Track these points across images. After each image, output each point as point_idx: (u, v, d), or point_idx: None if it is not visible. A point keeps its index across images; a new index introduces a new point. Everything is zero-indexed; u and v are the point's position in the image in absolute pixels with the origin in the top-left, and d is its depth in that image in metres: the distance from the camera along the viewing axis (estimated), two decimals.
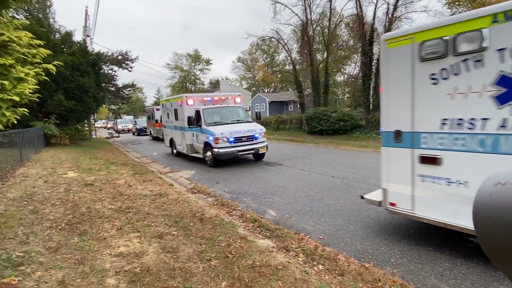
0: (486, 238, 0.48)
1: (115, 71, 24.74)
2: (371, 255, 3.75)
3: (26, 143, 9.91)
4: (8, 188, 6.08)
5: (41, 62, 3.03)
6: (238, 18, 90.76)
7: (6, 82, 2.44)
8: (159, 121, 20.58)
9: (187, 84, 62.01)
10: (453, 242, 3.86)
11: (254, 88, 61.31)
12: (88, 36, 22.72)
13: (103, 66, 22.03)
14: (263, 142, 10.49)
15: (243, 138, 9.98)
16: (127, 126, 34.39)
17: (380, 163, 4.15)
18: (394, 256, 3.67)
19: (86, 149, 15.21)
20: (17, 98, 2.63)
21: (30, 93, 2.87)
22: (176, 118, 12.36)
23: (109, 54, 24.23)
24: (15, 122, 2.93)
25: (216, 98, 11.90)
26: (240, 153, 9.89)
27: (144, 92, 73.87)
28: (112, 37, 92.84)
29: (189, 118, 10.51)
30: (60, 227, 4.22)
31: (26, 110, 3.30)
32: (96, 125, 26.64)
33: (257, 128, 10.46)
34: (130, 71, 25.30)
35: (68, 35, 17.57)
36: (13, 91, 2.55)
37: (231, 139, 9.75)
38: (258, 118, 12.51)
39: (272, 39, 27.88)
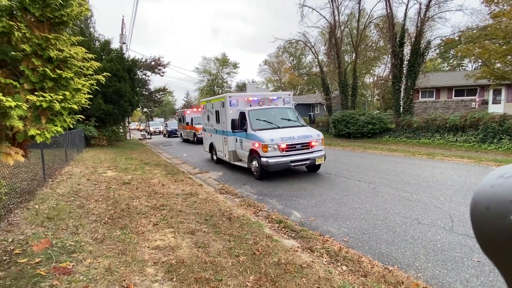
0: (481, 230, 0.48)
1: (148, 76, 26.05)
2: (396, 258, 3.79)
3: (70, 144, 10.82)
4: (57, 184, 6.75)
5: (93, 73, 3.44)
6: (265, 21, 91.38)
7: (67, 93, 2.84)
8: (189, 124, 21.52)
9: (215, 87, 63.43)
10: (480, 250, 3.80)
11: (281, 91, 61.43)
12: (124, 43, 24.14)
13: (138, 72, 23.28)
14: (321, 150, 8.74)
15: (297, 146, 8.32)
16: (158, 128, 35.94)
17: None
18: (419, 261, 3.69)
19: (122, 150, 16.19)
20: (75, 107, 3.02)
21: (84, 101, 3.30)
22: (218, 121, 11.05)
23: (143, 60, 25.58)
24: (72, 127, 3.37)
25: (263, 98, 10.41)
26: (293, 164, 8.21)
27: (174, 95, 76.48)
28: (145, 42, 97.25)
29: (233, 121, 8.92)
30: (103, 221, 4.67)
31: (81, 116, 3.74)
32: (129, 127, 28.16)
33: (313, 134, 8.74)
34: (162, 75, 26.54)
35: (107, 43, 18.83)
36: (72, 100, 2.95)
37: (283, 146, 8.17)
38: (312, 122, 10.21)
39: (299, 42, 27.87)
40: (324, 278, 3.12)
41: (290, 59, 58.34)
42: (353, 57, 24.43)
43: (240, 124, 8.96)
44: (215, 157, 12.00)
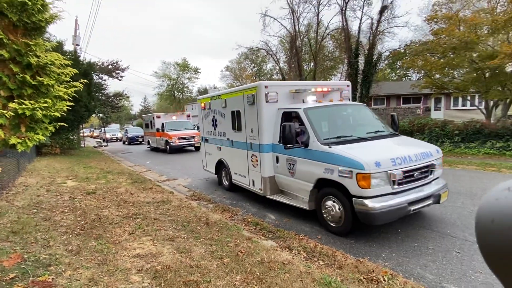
0: (486, 243, 0.47)
1: (105, 80, 24.78)
2: (365, 251, 4.20)
3: (19, 153, 9.95)
4: (14, 197, 6.23)
5: (70, 80, 3.37)
6: (228, 28, 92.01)
7: (49, 100, 2.77)
8: (160, 130, 18.96)
9: (175, 92, 62.07)
10: (434, 239, 4.37)
11: None
12: (78, 45, 22.74)
13: (94, 75, 22.06)
14: (439, 177, 5.23)
15: (415, 173, 4.60)
16: (115, 134, 34.13)
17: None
18: (385, 252, 4.13)
19: (78, 158, 15.20)
20: (58, 114, 2.96)
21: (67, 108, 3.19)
22: (236, 127, 6.99)
23: (99, 63, 24.25)
24: (50, 134, 3.26)
25: (318, 89, 6.31)
26: (413, 208, 4.45)
27: (130, 100, 73.18)
28: (102, 46, 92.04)
29: (284, 128, 5.10)
30: (75, 233, 4.47)
31: (65, 124, 3.63)
32: (83, 134, 26.39)
33: (431, 150, 5.05)
34: (120, 80, 25.39)
35: (60, 44, 17.62)
36: (53, 108, 2.87)
37: (398, 175, 4.36)
38: (396, 125, 6.09)
39: (262, 50, 28.61)
40: (305, 272, 3.38)
41: (252, 66, 59.32)
42: (312, 66, 25.70)
43: (292, 134, 5.05)
44: (225, 182, 8.12)
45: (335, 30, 24.79)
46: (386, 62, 34.61)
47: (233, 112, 7.10)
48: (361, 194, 4.28)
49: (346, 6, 18.54)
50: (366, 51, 19.00)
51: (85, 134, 31.95)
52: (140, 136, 26.97)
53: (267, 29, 60.05)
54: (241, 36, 78.45)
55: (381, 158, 4.37)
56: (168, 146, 18.27)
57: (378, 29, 18.52)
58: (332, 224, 4.90)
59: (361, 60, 19.75)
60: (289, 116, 5.85)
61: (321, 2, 21.37)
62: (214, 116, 8.14)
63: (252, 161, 6.50)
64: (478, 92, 17.46)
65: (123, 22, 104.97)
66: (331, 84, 7.12)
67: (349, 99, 6.97)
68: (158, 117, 20.25)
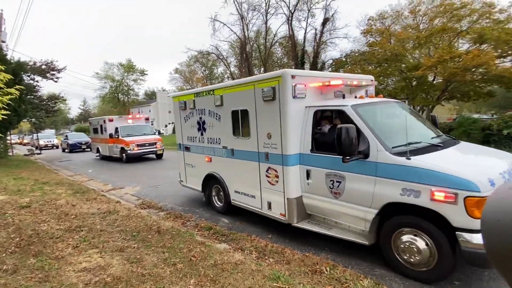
0: (492, 242, 0.46)
1: (37, 81, 22.36)
2: (311, 246, 4.57)
3: None
4: None
5: (4, 86, 3.13)
6: (177, 29, 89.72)
7: None
8: (114, 136, 16.26)
9: (119, 94, 58.53)
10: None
11: None
12: (3, 42, 20.25)
13: (24, 76, 19.83)
14: None
15: None
16: (51, 141, 30.95)
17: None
18: (328, 246, 4.55)
19: (6, 169, 13.56)
20: None
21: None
22: (241, 133, 5.44)
23: (31, 63, 21.84)
24: None
25: (354, 82, 5.09)
26: None
27: (68, 103, 66.96)
28: (38, 45, 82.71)
29: (340, 132, 3.61)
30: (10, 251, 4.09)
31: None
32: (10, 141, 23.42)
33: None
34: (56, 81, 23.13)
35: None
36: None
37: None
38: (437, 126, 5.21)
39: (212, 54, 28.59)
40: (256, 270, 3.59)
41: (202, 69, 58.71)
42: (263, 71, 26.50)
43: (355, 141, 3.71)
44: (217, 203, 6.43)
45: (283, 38, 25.92)
46: (329, 69, 37.17)
47: (235, 112, 5.42)
48: (471, 226, 2.99)
49: (292, 16, 19.58)
50: (311, 59, 20.26)
51: (13, 141, 28.47)
52: (83, 143, 24.53)
53: (217, 34, 59.96)
54: (190, 39, 77.15)
55: (491, 174, 3.26)
56: (124, 155, 15.72)
57: (322, 39, 19.90)
58: (413, 268, 3.50)
59: (307, 67, 20.97)
60: (322, 117, 4.65)
61: (269, 11, 22.23)
62: (201, 118, 6.35)
63: (268, 176, 4.90)
64: (407, 99, 19.78)
65: (63, 20, 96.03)
66: (360, 77, 5.54)
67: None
68: (111, 120, 17.27)
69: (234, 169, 5.68)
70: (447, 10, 22.04)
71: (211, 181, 6.44)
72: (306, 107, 4.54)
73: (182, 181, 7.53)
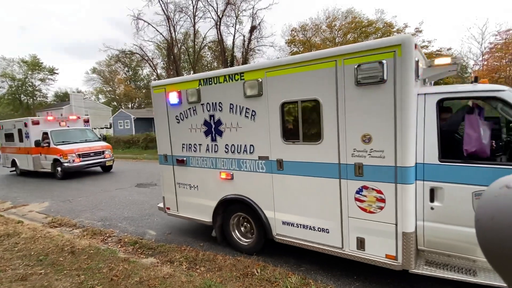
0: (487, 240, 0.46)
1: None
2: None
3: None
4: None
5: None
6: (94, 25, 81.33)
7: None
8: (41, 144, 12.32)
9: (21, 95, 50.31)
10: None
11: (115, 103, 56.15)
12: None
13: None
14: None
15: None
16: None
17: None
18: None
19: None
20: None
21: None
22: (301, 135, 3.71)
23: None
24: None
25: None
26: None
27: None
28: None
29: None
30: None
31: None
32: None
33: None
34: None
35: None
36: None
37: None
38: None
39: (136, 54, 26.78)
40: (186, 282, 3.45)
41: (125, 69, 54.50)
42: (191, 74, 25.95)
43: None
44: (242, 239, 4.66)
45: (212, 42, 25.85)
46: None
47: (289, 105, 3.76)
48: None
49: (220, 22, 19.70)
50: (241, 65, 20.71)
51: None
52: None
53: (141, 33, 56.59)
54: (110, 37, 70.94)
55: None
56: (59, 169, 12.00)
57: (250, 46, 20.50)
58: None
59: None
60: (442, 110, 3.36)
61: (196, 14, 21.93)
62: (212, 117, 4.52)
63: (360, 200, 3.39)
64: None
65: None
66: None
67: None
68: (36, 123, 12.93)
69: (283, 190, 3.94)
70: (357, 27, 25.16)
71: (231, 208, 4.56)
72: (419, 94, 3.20)
73: (169, 208, 5.30)
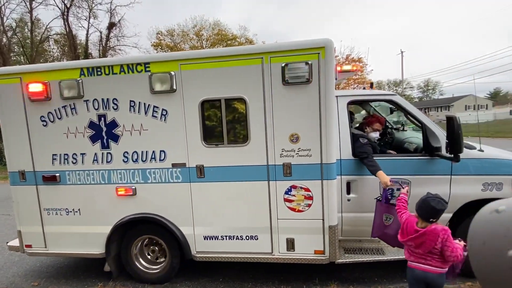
0: (479, 264, 0.46)
1: None
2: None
3: None
4: None
5: None
6: None
7: None
8: None
9: None
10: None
11: None
12: None
13: None
14: None
15: None
16: None
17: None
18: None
19: None
20: None
21: None
22: (225, 137, 3.40)
23: None
24: None
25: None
26: None
27: None
28: None
29: (458, 124, 3.18)
30: None
31: None
32: None
33: None
34: None
35: None
36: None
37: None
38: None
39: None
40: None
41: None
42: (68, 61, 20.95)
43: None
44: (150, 266, 3.83)
45: (59, 34, 21.66)
46: None
47: (211, 104, 3.39)
48: None
49: (67, 12, 16.75)
50: None
51: None
52: None
53: None
54: None
55: None
56: None
57: (109, 44, 18.35)
58: None
59: None
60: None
61: None
62: (102, 117, 3.54)
63: (289, 200, 3.35)
64: None
65: None
66: None
67: None
68: None
69: (205, 200, 3.47)
70: (223, 39, 26.65)
71: (133, 232, 3.71)
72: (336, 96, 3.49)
73: (29, 246, 3.85)
